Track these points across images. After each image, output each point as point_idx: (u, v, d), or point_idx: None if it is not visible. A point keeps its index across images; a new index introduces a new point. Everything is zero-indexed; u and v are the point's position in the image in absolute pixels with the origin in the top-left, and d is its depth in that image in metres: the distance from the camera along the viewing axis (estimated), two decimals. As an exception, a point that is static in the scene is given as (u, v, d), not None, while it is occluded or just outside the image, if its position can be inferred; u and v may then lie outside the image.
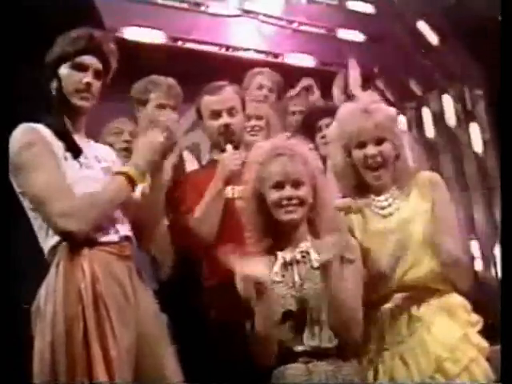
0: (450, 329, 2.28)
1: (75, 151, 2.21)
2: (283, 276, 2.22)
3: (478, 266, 5.29)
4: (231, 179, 2.58)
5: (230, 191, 2.64)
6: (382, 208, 2.42)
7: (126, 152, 2.99)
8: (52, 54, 2.27)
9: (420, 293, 2.32)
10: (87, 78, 2.27)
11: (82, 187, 2.15)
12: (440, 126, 5.70)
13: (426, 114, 5.77)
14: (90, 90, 2.26)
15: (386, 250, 2.33)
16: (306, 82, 4.02)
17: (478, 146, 5.55)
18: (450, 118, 5.64)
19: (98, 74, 2.29)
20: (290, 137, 2.51)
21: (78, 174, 2.17)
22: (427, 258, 2.32)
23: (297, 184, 2.24)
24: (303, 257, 2.23)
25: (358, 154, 2.40)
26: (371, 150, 2.38)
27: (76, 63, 2.27)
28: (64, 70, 2.26)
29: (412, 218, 2.37)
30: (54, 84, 2.25)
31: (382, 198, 2.42)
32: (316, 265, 2.19)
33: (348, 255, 2.21)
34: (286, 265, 2.23)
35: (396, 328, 2.30)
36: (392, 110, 2.50)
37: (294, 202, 2.23)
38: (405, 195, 2.42)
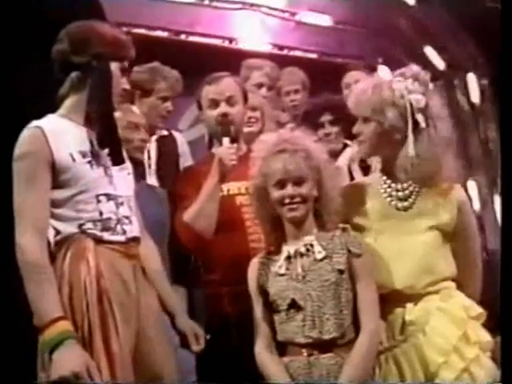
0: (445, 331, 2.20)
1: (117, 160, 2.23)
2: (287, 269, 2.22)
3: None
4: (227, 174, 2.53)
5: (223, 188, 2.60)
6: (398, 199, 2.34)
7: (140, 153, 2.97)
8: (98, 48, 2.22)
9: (416, 297, 2.26)
10: (126, 84, 2.31)
11: (94, 188, 2.16)
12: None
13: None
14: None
15: (389, 252, 2.28)
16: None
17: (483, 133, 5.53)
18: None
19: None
20: (294, 128, 2.49)
21: (90, 175, 2.17)
22: (429, 272, 2.27)
23: (298, 181, 2.22)
24: (307, 250, 2.23)
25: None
26: (358, 127, 2.36)
27: (124, 67, 2.28)
28: (114, 70, 2.25)
29: (424, 223, 2.30)
30: (101, 81, 2.22)
31: (399, 186, 2.34)
32: (319, 257, 2.20)
33: (354, 249, 2.21)
34: (290, 258, 2.23)
35: (390, 332, 2.25)
36: (387, 93, 2.33)
37: (297, 199, 2.22)
38: (427, 193, 2.32)
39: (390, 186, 2.36)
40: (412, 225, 2.31)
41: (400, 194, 2.34)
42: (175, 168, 3.42)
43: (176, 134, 3.71)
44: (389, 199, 2.35)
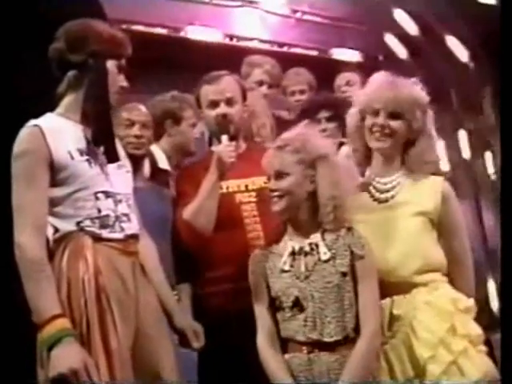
0: (432, 325, 2.19)
1: (112, 158, 2.23)
2: (292, 266, 2.22)
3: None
4: (226, 171, 2.53)
5: (223, 186, 2.60)
6: (382, 192, 2.37)
7: (136, 149, 2.97)
8: (94, 46, 2.22)
9: (403, 288, 2.26)
10: (123, 81, 2.31)
11: (93, 185, 2.17)
12: (445, 114, 5.66)
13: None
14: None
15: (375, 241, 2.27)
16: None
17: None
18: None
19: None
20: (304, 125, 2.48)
21: (88, 172, 2.17)
22: (416, 256, 2.28)
23: (278, 175, 2.24)
24: (312, 249, 2.22)
25: (368, 120, 2.37)
26: (381, 120, 2.34)
27: (121, 65, 2.28)
28: (111, 68, 2.25)
29: (409, 210, 2.32)
30: (97, 79, 2.22)
31: (385, 180, 2.38)
32: (324, 258, 2.19)
33: (357, 251, 2.20)
34: (295, 254, 2.23)
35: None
36: (423, 95, 2.40)
37: (276, 194, 2.24)
38: (411, 184, 2.36)
39: (378, 182, 2.39)
40: (396, 213, 2.33)
41: (388, 186, 2.37)
42: None
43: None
44: (373, 191, 2.39)
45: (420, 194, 2.34)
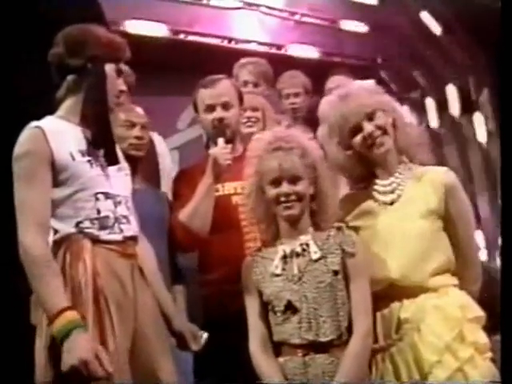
0: (438, 329, 2.16)
1: (111, 160, 2.24)
2: (283, 269, 2.21)
3: (483, 256, 5.29)
4: (222, 174, 2.55)
5: (220, 188, 2.62)
6: (385, 193, 2.34)
7: (137, 150, 2.97)
8: (91, 51, 2.23)
9: (414, 292, 2.23)
10: (122, 85, 2.32)
11: (93, 186, 2.17)
12: (444, 116, 5.69)
13: (430, 104, 5.76)
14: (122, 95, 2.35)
15: (381, 247, 2.27)
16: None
17: (482, 136, 5.54)
18: (454, 108, 5.62)
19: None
20: (289, 126, 2.49)
21: (89, 173, 2.18)
22: (427, 260, 2.25)
23: (294, 179, 2.21)
24: (303, 250, 2.21)
25: (356, 140, 2.32)
26: (367, 128, 2.30)
27: (120, 68, 2.29)
28: (110, 72, 2.26)
29: (416, 209, 2.28)
30: (96, 83, 2.23)
31: (386, 182, 2.35)
32: (315, 257, 2.19)
33: (348, 248, 2.19)
34: (286, 257, 2.22)
35: (386, 330, 2.23)
36: (368, 83, 2.42)
37: (292, 198, 2.20)
38: (414, 180, 2.33)
39: (376, 184, 2.37)
40: (401, 215, 2.30)
41: (388, 188, 2.35)
42: (155, 167, 3.41)
43: (151, 133, 3.69)
44: (376, 195, 2.36)
45: (424, 191, 2.31)
